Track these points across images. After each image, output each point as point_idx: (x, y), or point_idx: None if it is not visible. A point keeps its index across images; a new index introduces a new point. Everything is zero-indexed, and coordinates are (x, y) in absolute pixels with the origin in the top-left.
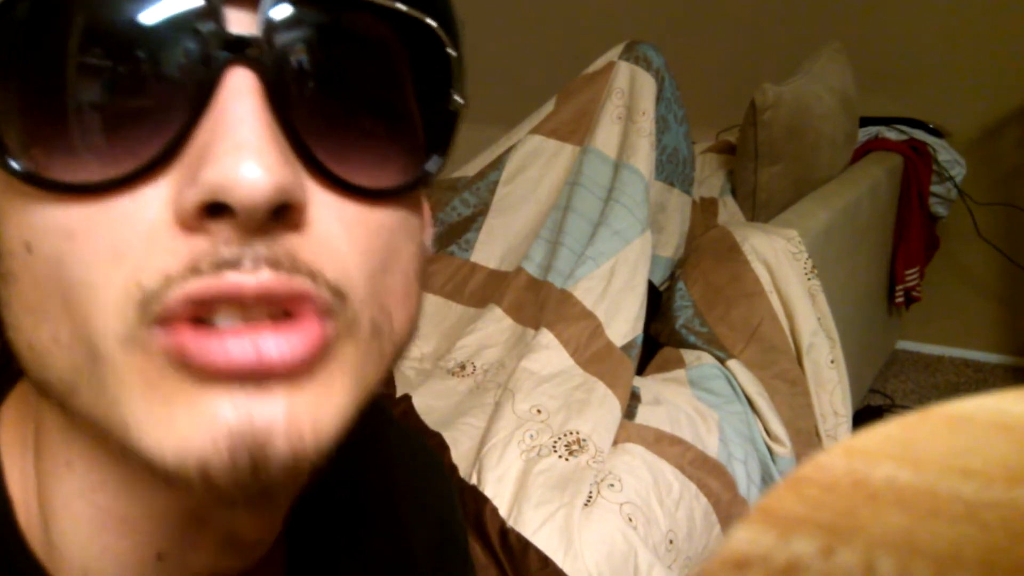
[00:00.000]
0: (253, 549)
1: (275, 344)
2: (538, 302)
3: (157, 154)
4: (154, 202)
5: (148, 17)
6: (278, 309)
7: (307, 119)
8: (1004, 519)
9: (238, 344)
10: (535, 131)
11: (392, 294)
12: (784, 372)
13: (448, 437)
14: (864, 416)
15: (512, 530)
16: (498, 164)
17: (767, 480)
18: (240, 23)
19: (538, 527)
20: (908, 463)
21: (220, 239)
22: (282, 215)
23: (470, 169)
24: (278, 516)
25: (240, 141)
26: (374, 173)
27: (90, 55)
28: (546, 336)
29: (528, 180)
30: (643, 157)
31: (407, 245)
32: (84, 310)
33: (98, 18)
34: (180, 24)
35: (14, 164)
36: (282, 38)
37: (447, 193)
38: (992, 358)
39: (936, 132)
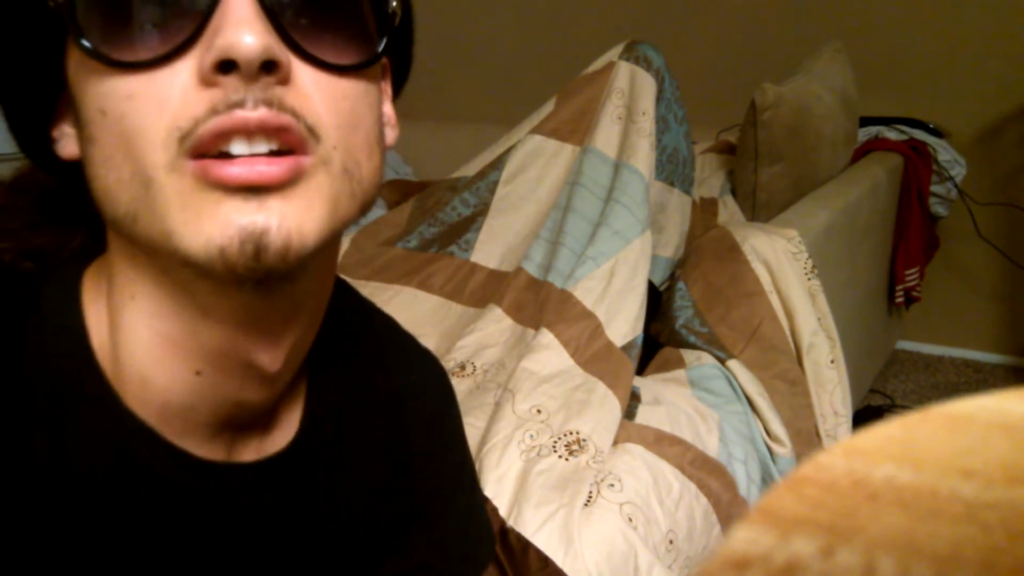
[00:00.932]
0: (273, 382)
1: (267, 165)
2: (538, 302)
3: (187, 37)
4: (184, 71)
5: None
6: (272, 142)
7: (288, 13)
8: (1004, 519)
9: (244, 165)
10: (535, 131)
11: (359, 148)
12: (784, 372)
13: None
14: (864, 416)
15: (512, 530)
16: (498, 164)
17: (767, 480)
18: None
19: (538, 527)
20: (908, 463)
21: (229, 88)
22: (271, 70)
23: (470, 169)
24: (287, 350)
25: (239, 19)
26: (339, 53)
27: None
28: (546, 336)
29: (528, 180)
30: (643, 157)
31: (369, 111)
32: (140, 150)
33: None
34: None
35: (100, 52)
36: None
37: (447, 193)
38: (992, 358)
39: (936, 132)
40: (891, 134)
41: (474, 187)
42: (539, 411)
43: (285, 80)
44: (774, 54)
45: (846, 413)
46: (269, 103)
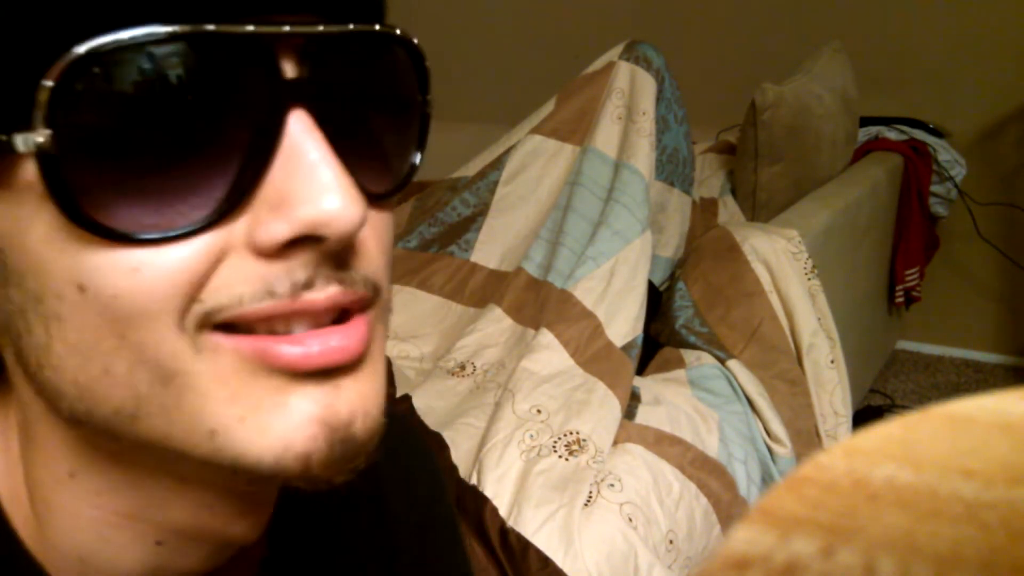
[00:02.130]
0: (246, 548)
1: (338, 341)
2: (538, 302)
3: (235, 195)
4: (225, 233)
5: (208, 68)
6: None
7: (348, 147)
8: (1004, 519)
9: (313, 340)
10: (535, 131)
11: (389, 274)
12: (784, 372)
13: (448, 437)
14: (864, 416)
15: (512, 530)
16: (498, 164)
17: (767, 480)
18: (288, 67)
19: (538, 527)
20: (908, 463)
21: (297, 263)
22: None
23: (470, 169)
24: (269, 514)
25: (325, 182)
26: (384, 180)
27: (154, 113)
28: (546, 336)
29: (528, 180)
30: (643, 157)
31: (393, 230)
32: (144, 337)
33: (159, 76)
34: (241, 71)
35: (96, 223)
36: (322, 77)
37: (447, 193)
38: (992, 358)
39: (936, 132)
40: (891, 134)
41: (474, 187)
42: (539, 411)
43: (359, 245)
44: (774, 54)
45: (846, 413)
46: (341, 279)
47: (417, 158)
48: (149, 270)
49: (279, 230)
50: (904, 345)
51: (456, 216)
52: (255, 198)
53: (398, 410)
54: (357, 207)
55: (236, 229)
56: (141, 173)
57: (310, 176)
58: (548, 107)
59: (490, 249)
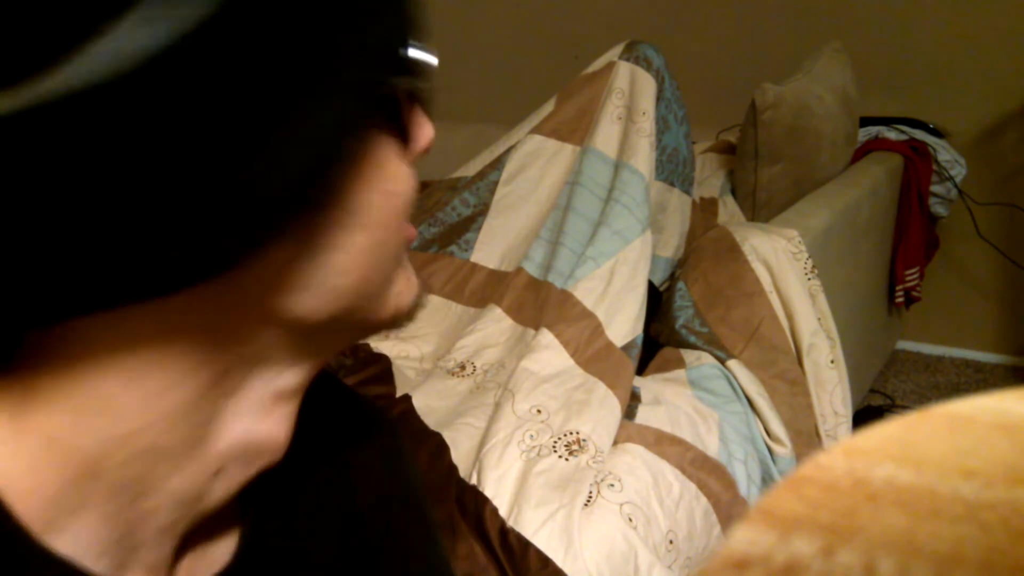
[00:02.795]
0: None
1: None
2: (538, 302)
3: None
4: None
5: None
6: None
7: None
8: (1004, 519)
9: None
10: (535, 131)
11: None
12: (784, 372)
13: (448, 437)
14: (864, 416)
15: (512, 530)
16: (498, 164)
17: (767, 480)
18: None
19: (538, 527)
20: (908, 463)
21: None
22: None
23: (470, 169)
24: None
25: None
26: None
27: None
28: (546, 336)
29: (528, 180)
30: (643, 157)
31: None
32: (403, 227)
33: None
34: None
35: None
36: None
37: (447, 193)
38: (992, 358)
39: (936, 132)
40: (891, 134)
41: (474, 187)
42: (539, 411)
43: None
44: (774, 54)
45: (846, 413)
46: None
47: None
48: (404, 179)
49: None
50: (904, 345)
51: (456, 216)
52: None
53: (412, 418)
54: None
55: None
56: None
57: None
58: (548, 107)
59: (490, 249)
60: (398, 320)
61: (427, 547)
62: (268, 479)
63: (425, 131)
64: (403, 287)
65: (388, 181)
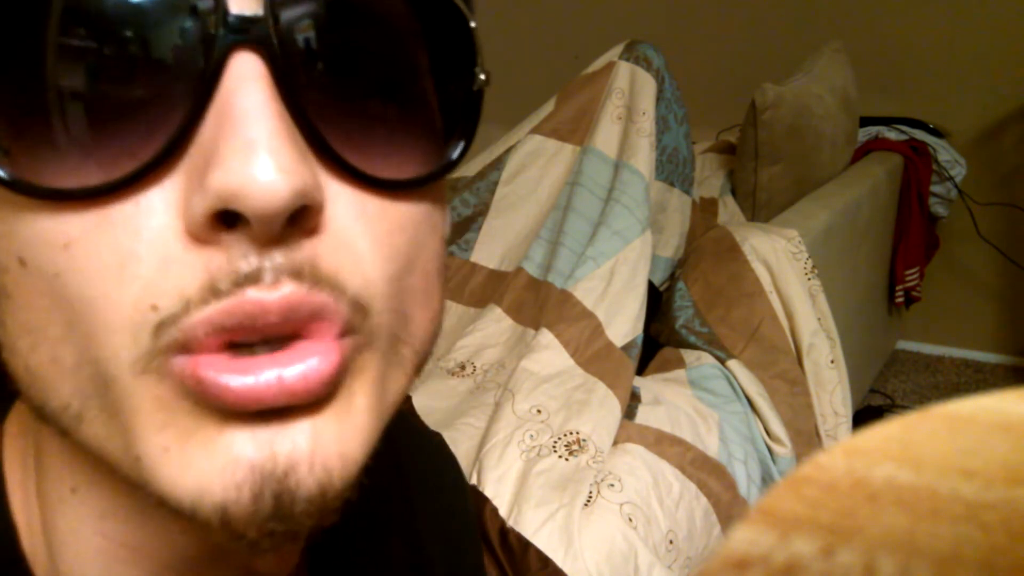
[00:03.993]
0: (281, 571)
1: (298, 368)
2: (538, 302)
3: (157, 153)
4: (159, 206)
5: None
6: (296, 329)
7: (320, 106)
8: (1004, 519)
9: (260, 373)
10: (535, 131)
11: (413, 296)
12: (784, 372)
13: (448, 437)
14: (864, 416)
15: (512, 530)
16: (498, 164)
17: (767, 480)
18: (241, 2)
19: (538, 527)
20: (908, 463)
21: (236, 252)
22: (300, 217)
23: (470, 169)
24: (296, 550)
25: (250, 138)
26: (395, 163)
27: (73, 38)
28: (546, 336)
29: (528, 180)
30: (643, 157)
31: (430, 240)
32: (90, 330)
33: (81, 3)
34: (177, 4)
35: (2, 174)
36: (288, 15)
37: (447, 193)
38: (992, 358)
39: (936, 132)
40: (891, 134)
41: (474, 187)
42: (539, 411)
43: (318, 226)
44: (774, 54)
45: (846, 413)
46: (297, 274)
47: (457, 149)
48: (82, 248)
49: (197, 203)
50: (904, 345)
51: (456, 216)
52: (184, 162)
53: (414, 419)
54: (291, 175)
55: (170, 204)
56: (53, 116)
57: (235, 132)
58: (548, 107)
59: (490, 249)
60: (204, 518)
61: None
62: (334, 537)
63: (226, 182)
64: (179, 456)
65: (14, 242)
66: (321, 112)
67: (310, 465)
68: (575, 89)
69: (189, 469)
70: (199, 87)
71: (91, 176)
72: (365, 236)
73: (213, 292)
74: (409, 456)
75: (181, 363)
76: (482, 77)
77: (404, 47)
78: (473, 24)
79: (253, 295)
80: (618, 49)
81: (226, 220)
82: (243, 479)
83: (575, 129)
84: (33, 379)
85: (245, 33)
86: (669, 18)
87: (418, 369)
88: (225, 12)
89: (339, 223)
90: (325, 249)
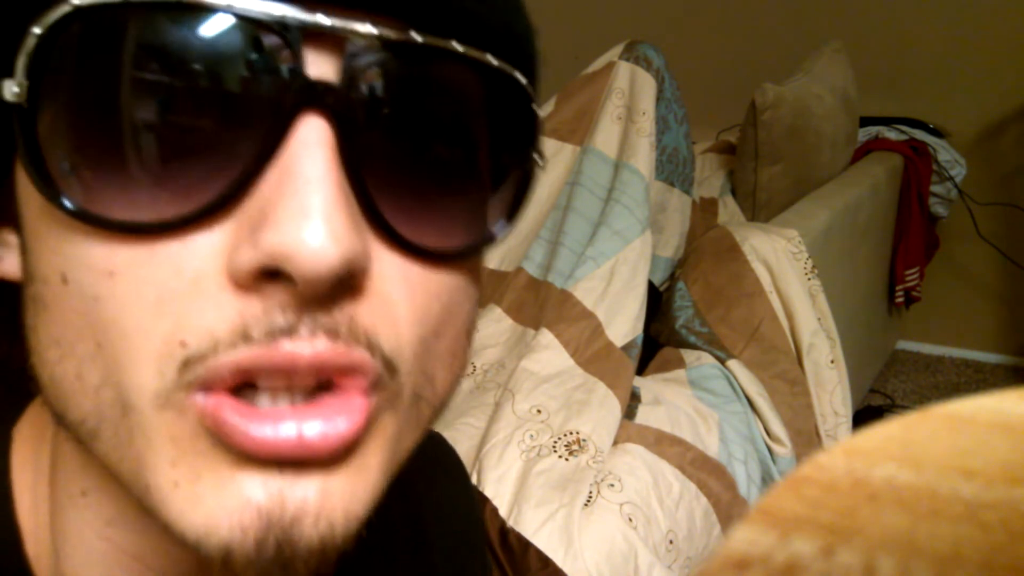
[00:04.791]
0: None
1: (319, 426)
2: (538, 302)
3: (214, 200)
4: (205, 249)
5: (218, 48)
6: (325, 378)
7: (379, 176)
8: (1004, 519)
9: (280, 425)
10: None
11: (439, 358)
12: (784, 372)
13: (448, 437)
14: (864, 416)
15: (512, 530)
16: None
17: (767, 480)
18: (319, 66)
19: (538, 527)
20: (908, 463)
21: (275, 303)
22: (345, 283)
23: None
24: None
25: (308, 205)
26: (441, 234)
27: (148, 83)
28: (546, 336)
29: None
30: (643, 157)
31: (463, 307)
32: (118, 356)
33: (161, 45)
34: (253, 59)
35: (63, 199)
36: (362, 87)
37: None
38: (992, 358)
39: (936, 132)
40: (891, 134)
41: None
42: (539, 411)
43: (361, 289)
44: (774, 54)
45: (846, 413)
46: (334, 332)
47: (501, 225)
48: (125, 279)
49: (244, 256)
50: (904, 345)
51: None
52: (238, 211)
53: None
54: (341, 245)
55: (216, 248)
56: (118, 150)
57: (294, 196)
58: (548, 107)
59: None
60: (207, 552)
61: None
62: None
63: (278, 242)
64: (190, 492)
65: (61, 260)
66: (379, 182)
67: (316, 518)
68: (575, 89)
69: (199, 506)
70: (265, 143)
71: (146, 212)
72: (404, 301)
73: (244, 337)
74: (419, 475)
75: (203, 402)
76: (537, 159)
77: (468, 123)
78: (537, 110)
79: (286, 347)
80: (618, 49)
81: (271, 274)
82: (250, 523)
83: (575, 129)
84: (56, 389)
85: (318, 98)
86: (669, 18)
87: (431, 424)
88: (301, 74)
89: (381, 286)
90: (364, 309)
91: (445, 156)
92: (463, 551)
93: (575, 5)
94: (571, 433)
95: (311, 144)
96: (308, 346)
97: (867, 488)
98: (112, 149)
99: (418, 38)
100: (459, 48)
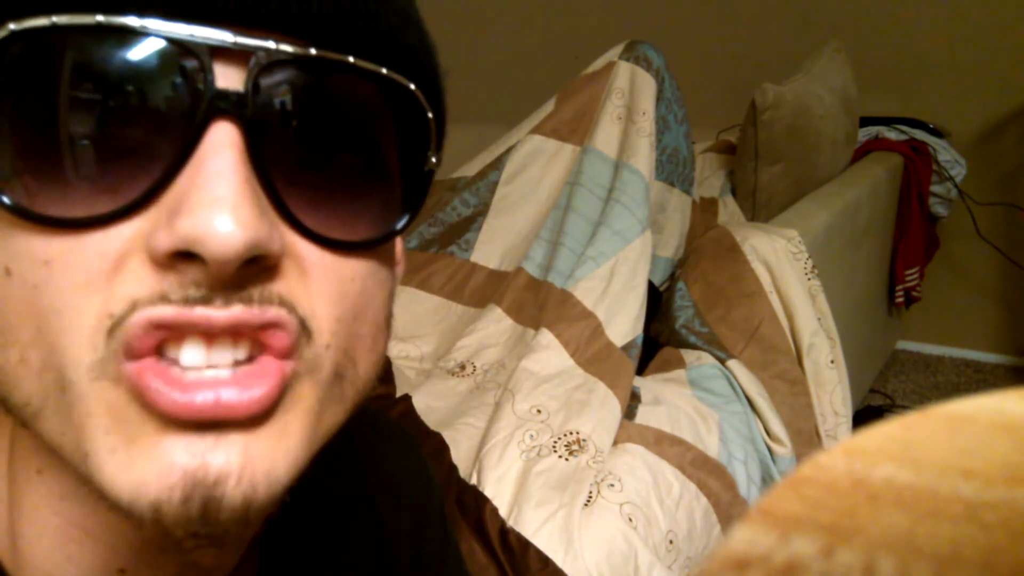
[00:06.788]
0: (219, 569)
1: (236, 391)
2: (538, 302)
3: (137, 198)
4: (127, 235)
5: (138, 65)
6: (243, 342)
7: (285, 173)
8: (1004, 519)
9: (199, 390)
10: (535, 131)
11: (360, 341)
12: (784, 372)
13: (448, 437)
14: (864, 416)
15: (512, 530)
16: (498, 164)
17: (767, 480)
18: (227, 78)
19: (538, 527)
20: (908, 463)
21: (190, 279)
22: (255, 264)
23: (470, 169)
24: (239, 547)
25: (216, 196)
26: (348, 227)
27: (80, 97)
28: (546, 336)
29: (528, 180)
30: (643, 157)
31: (378, 293)
32: (56, 337)
33: (89, 64)
34: (169, 74)
35: (4, 199)
36: (266, 95)
37: (447, 193)
38: (992, 358)
39: (936, 132)
40: (891, 134)
41: (474, 187)
42: (539, 411)
43: (272, 271)
44: (774, 54)
45: (846, 413)
46: (248, 299)
47: (403, 220)
48: (59, 266)
49: (161, 239)
50: (904, 345)
51: (456, 216)
52: (158, 202)
53: (377, 408)
54: (246, 227)
55: (137, 234)
56: (54, 156)
57: (204, 187)
58: (548, 107)
59: (490, 249)
60: (139, 515)
61: (450, 556)
62: (288, 530)
63: (188, 229)
64: (124, 456)
65: (3, 254)
66: (285, 178)
67: (238, 479)
68: (575, 89)
69: (130, 470)
70: (180, 147)
71: (79, 209)
72: (318, 281)
73: (162, 298)
74: (370, 446)
75: (130, 369)
76: (433, 160)
77: (367, 126)
78: (430, 115)
79: (200, 311)
80: (618, 49)
81: (185, 256)
82: (176, 483)
83: (575, 129)
84: (2, 375)
85: (225, 105)
86: (669, 18)
87: (355, 407)
88: (211, 85)
89: (294, 269)
90: (278, 284)
91: (347, 156)
92: (419, 526)
93: (575, 5)
94: (571, 433)
95: (220, 145)
96: (223, 311)
97: (867, 488)
98: (48, 155)
99: (314, 52)
100: (351, 60)
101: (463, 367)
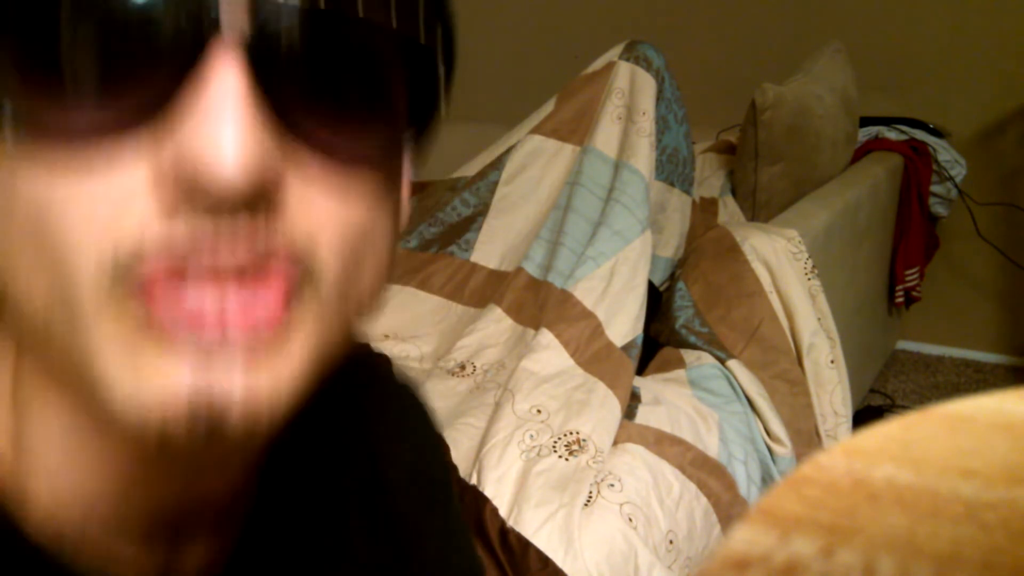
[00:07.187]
0: (222, 494)
1: (241, 311)
2: (538, 302)
3: (139, 115)
4: (136, 162)
5: None
6: (251, 260)
7: (290, 94)
8: (1004, 519)
9: (205, 303)
10: (535, 131)
11: (365, 263)
12: (784, 372)
13: (448, 437)
14: (864, 416)
15: (512, 530)
16: (498, 164)
17: (767, 480)
18: (233, 12)
19: (538, 527)
20: (908, 463)
21: (195, 222)
22: (259, 188)
23: (470, 169)
24: (241, 471)
25: (218, 109)
26: (354, 143)
27: (83, 15)
28: (546, 336)
29: (528, 180)
30: (643, 157)
31: (383, 219)
32: (62, 262)
33: None
34: (177, 3)
35: (6, 123)
36: (273, 20)
37: (447, 193)
38: (992, 358)
39: (936, 132)
40: (891, 134)
41: (474, 187)
42: (539, 411)
43: (277, 196)
44: (774, 54)
45: (846, 413)
46: (253, 229)
47: (411, 134)
48: (66, 190)
49: (164, 153)
50: (904, 345)
51: (456, 216)
52: (163, 126)
53: (381, 363)
54: (249, 156)
55: (143, 160)
56: (58, 82)
57: (207, 102)
58: (548, 107)
59: (490, 249)
60: (145, 434)
61: (455, 527)
62: (283, 456)
63: (192, 159)
64: (133, 377)
65: (7, 175)
66: (290, 99)
67: (242, 403)
68: (575, 89)
69: (139, 389)
70: (183, 69)
71: (80, 130)
72: (322, 203)
73: (171, 228)
74: (375, 418)
75: (136, 294)
76: (442, 69)
77: (375, 64)
78: (441, 67)
79: (207, 239)
80: (618, 49)
81: (190, 196)
82: (183, 404)
83: (575, 129)
84: (8, 300)
85: (229, 29)
86: (669, 18)
87: (359, 323)
88: (215, 11)
89: (299, 190)
90: (285, 208)
91: (355, 81)
92: (425, 493)
93: (575, 5)
94: (571, 433)
95: (225, 66)
96: (231, 240)
97: (867, 488)
98: (50, 77)
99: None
100: (359, 10)
101: (463, 367)
